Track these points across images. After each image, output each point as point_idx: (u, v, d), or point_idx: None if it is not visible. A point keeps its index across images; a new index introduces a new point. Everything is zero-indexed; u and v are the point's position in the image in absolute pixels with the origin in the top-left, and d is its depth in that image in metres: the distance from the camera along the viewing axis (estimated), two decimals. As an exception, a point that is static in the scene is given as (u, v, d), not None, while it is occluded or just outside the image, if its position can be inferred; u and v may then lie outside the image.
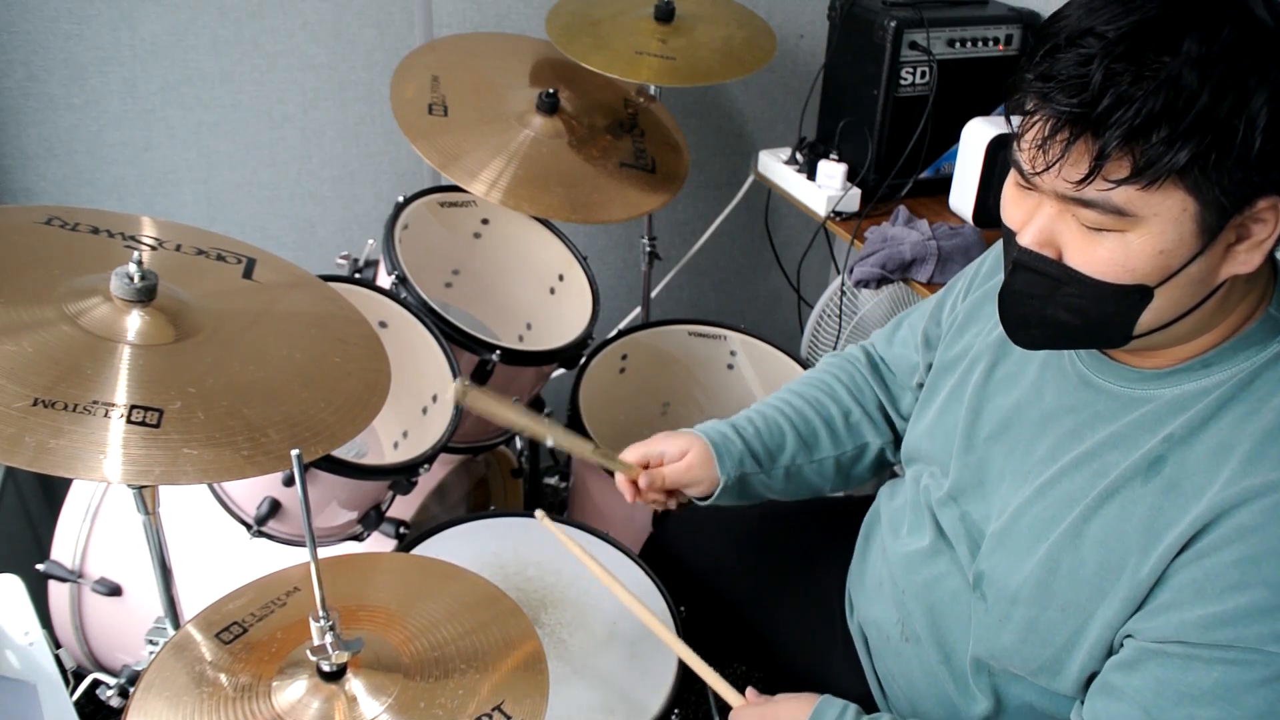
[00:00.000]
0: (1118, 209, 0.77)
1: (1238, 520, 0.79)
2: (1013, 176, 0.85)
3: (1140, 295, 0.80)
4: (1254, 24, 0.73)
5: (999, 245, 1.05)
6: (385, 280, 1.55)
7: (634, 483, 1.17)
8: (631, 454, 1.18)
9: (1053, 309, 0.85)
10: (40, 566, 1.48)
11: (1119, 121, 0.73)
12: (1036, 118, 0.78)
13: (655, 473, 1.16)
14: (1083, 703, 0.91)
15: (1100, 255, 0.80)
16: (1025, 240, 0.84)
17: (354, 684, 0.84)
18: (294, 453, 0.78)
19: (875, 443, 1.24)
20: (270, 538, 1.38)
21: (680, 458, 1.17)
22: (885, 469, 1.28)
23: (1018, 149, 0.82)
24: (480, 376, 1.53)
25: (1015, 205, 0.86)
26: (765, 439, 1.20)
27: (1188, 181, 0.74)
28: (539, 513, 1.21)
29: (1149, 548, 0.84)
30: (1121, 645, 0.87)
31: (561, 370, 1.72)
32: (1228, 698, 0.80)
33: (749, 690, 1.07)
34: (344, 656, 0.83)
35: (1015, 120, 0.81)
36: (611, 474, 1.20)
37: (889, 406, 1.25)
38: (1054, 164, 0.77)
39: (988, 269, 1.11)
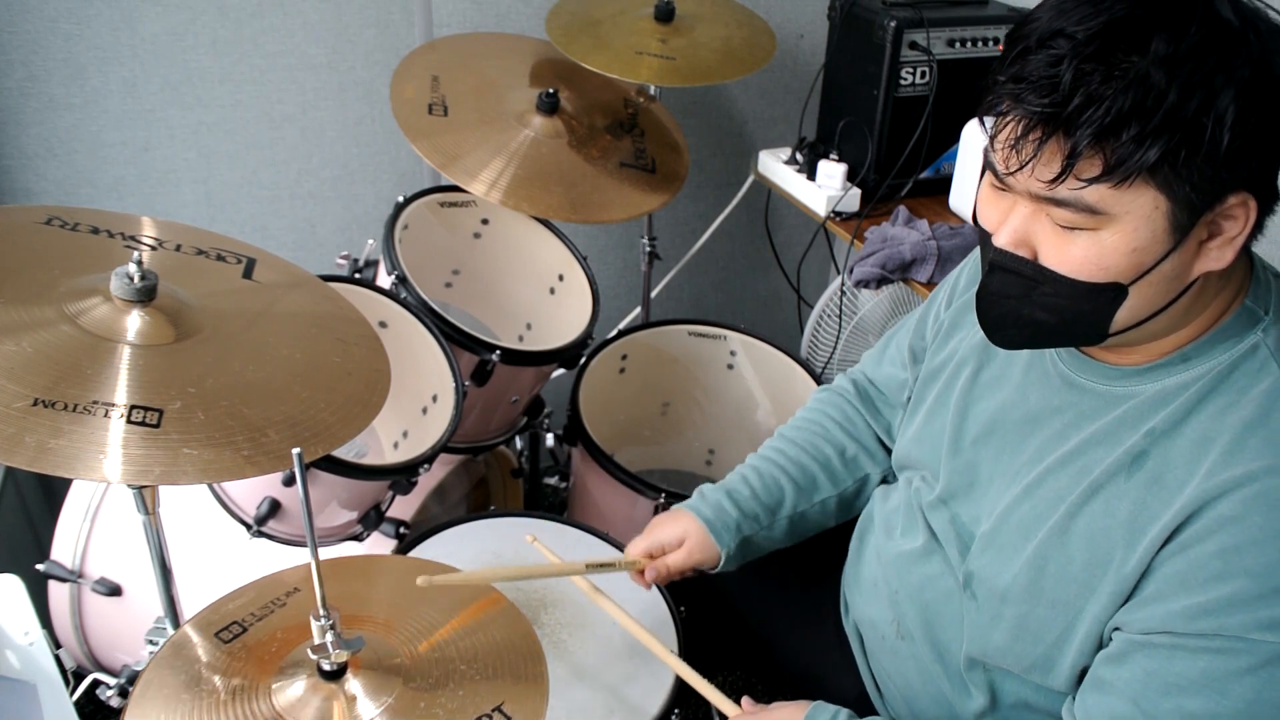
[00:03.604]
0: (1090, 207, 0.78)
1: (1219, 511, 0.80)
2: (988, 178, 0.86)
3: (1115, 293, 0.81)
4: (1220, 24, 0.74)
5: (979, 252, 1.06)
6: (385, 280, 1.55)
7: (642, 573, 1.19)
8: (635, 550, 1.20)
9: (1029, 309, 0.85)
10: (40, 566, 1.48)
11: (1089, 120, 0.74)
12: (1009, 118, 0.79)
13: (660, 565, 1.18)
14: (1074, 699, 0.91)
15: (1074, 254, 0.81)
16: (1001, 241, 0.84)
17: (353, 684, 0.84)
18: (295, 452, 0.78)
19: (875, 473, 1.25)
20: (270, 538, 1.38)
21: (679, 544, 1.18)
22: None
23: (992, 150, 0.83)
24: (480, 376, 1.53)
25: (991, 206, 0.87)
26: (763, 496, 1.21)
27: (1158, 179, 0.76)
28: (529, 536, 1.23)
29: (1134, 541, 0.85)
30: (1110, 639, 0.88)
31: (561, 370, 1.72)
32: (1215, 686, 0.81)
33: (745, 700, 1.07)
34: (344, 655, 0.83)
35: (989, 122, 0.82)
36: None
37: (883, 433, 1.25)
38: (1027, 163, 0.78)
39: (968, 276, 1.11)
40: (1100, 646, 0.89)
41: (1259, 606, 0.78)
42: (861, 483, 1.24)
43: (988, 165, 0.85)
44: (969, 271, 1.12)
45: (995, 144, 0.82)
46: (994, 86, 0.80)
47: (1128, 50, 0.74)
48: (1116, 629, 0.87)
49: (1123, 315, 0.83)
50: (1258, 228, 0.81)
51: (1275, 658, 0.79)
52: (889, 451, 1.25)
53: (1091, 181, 0.76)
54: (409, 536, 1.45)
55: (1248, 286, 0.87)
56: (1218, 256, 0.81)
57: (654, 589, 1.29)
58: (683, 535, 1.18)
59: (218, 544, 1.47)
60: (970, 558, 0.99)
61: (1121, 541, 0.86)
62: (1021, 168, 0.79)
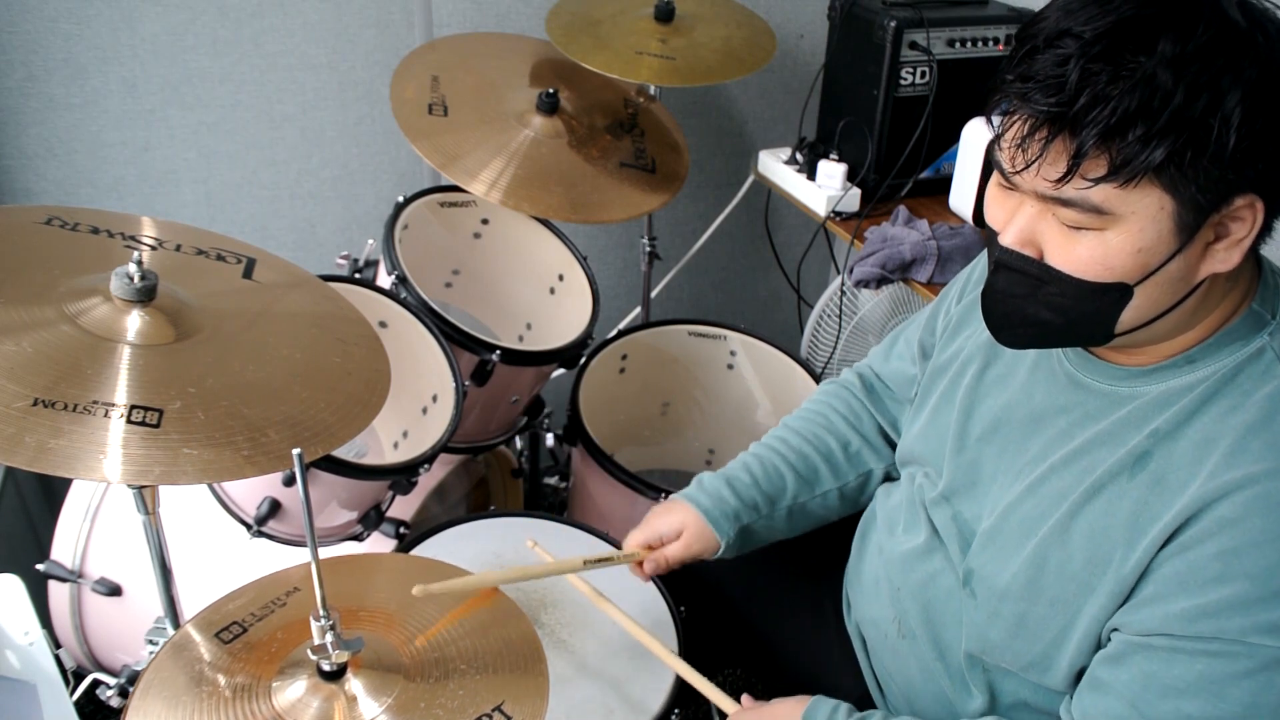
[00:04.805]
0: (1096, 207, 0.78)
1: (1219, 513, 0.80)
2: (995, 177, 0.86)
3: (1120, 293, 0.81)
4: (1227, 24, 0.74)
5: None
6: (385, 280, 1.55)
7: (641, 564, 1.19)
8: (633, 541, 1.19)
9: (1035, 308, 0.85)
10: (40, 566, 1.48)
11: (1095, 120, 0.74)
12: (1016, 117, 0.79)
13: (659, 556, 1.18)
14: (1072, 698, 0.91)
15: (1080, 254, 0.81)
16: (1007, 240, 0.85)
17: (354, 684, 0.84)
18: (295, 452, 0.78)
19: (878, 468, 1.24)
20: (270, 538, 1.38)
21: (677, 535, 1.18)
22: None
23: (998, 149, 0.83)
24: (480, 376, 1.53)
25: (997, 205, 0.87)
26: (763, 485, 1.20)
27: (1164, 180, 0.75)
28: (529, 541, 1.23)
29: (1134, 541, 0.85)
30: (1109, 639, 0.88)
31: (561, 370, 1.72)
32: (1212, 690, 0.81)
33: (744, 696, 1.08)
34: (344, 656, 0.83)
35: (996, 120, 0.83)
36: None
37: (888, 427, 1.25)
38: (1033, 163, 0.78)
39: (979, 274, 1.11)
40: (1098, 646, 0.89)
41: (1258, 610, 0.78)
42: (864, 478, 1.24)
43: (995, 164, 0.84)
44: (980, 268, 1.12)
45: (1002, 143, 0.82)
46: (1001, 85, 0.80)
47: (1135, 50, 0.74)
48: (1115, 630, 0.87)
49: (1128, 316, 0.83)
50: (1266, 230, 0.81)
51: (1273, 662, 0.79)
52: (894, 447, 1.24)
53: (1097, 181, 0.76)
54: (409, 536, 1.45)
55: (1255, 289, 0.87)
56: (1224, 258, 0.81)
57: (654, 588, 1.29)
58: (680, 526, 1.18)
59: (218, 544, 1.47)
60: (970, 555, 0.99)
61: (1122, 541, 0.86)
62: (1028, 167, 0.79)
